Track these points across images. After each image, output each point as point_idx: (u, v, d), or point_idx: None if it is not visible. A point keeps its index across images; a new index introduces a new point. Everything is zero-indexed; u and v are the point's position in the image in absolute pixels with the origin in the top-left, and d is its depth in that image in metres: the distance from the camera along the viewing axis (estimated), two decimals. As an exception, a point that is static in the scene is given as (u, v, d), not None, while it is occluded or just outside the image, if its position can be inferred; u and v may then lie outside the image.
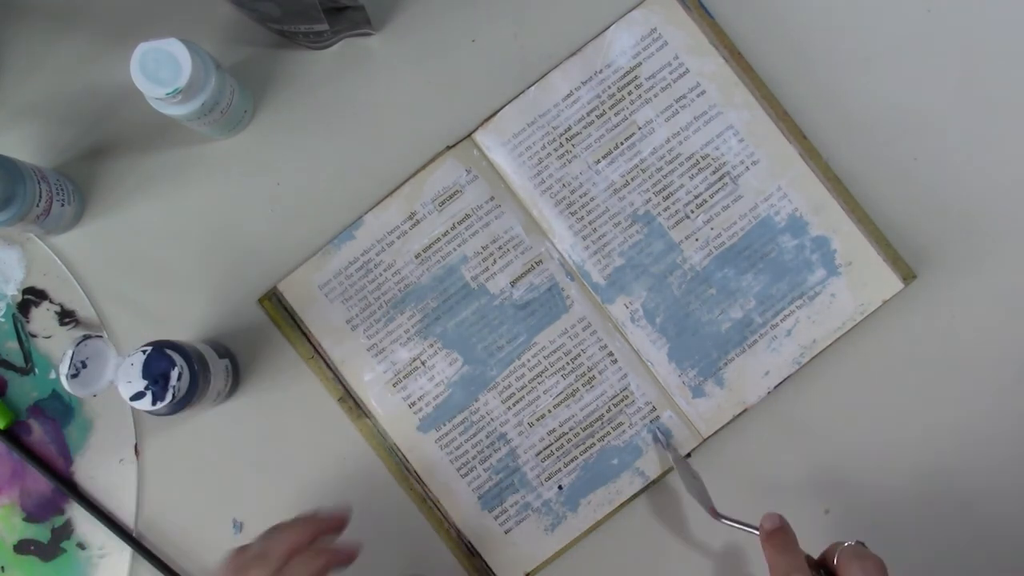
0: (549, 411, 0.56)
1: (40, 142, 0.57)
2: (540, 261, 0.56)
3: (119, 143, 0.57)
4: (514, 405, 0.55)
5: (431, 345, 0.56)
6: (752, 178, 0.55)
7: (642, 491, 0.55)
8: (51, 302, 0.57)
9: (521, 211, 0.56)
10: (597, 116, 0.56)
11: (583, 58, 0.56)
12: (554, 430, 0.55)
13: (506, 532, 0.55)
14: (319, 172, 0.57)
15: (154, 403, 0.48)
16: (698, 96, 0.56)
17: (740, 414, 0.55)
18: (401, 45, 0.58)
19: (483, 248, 0.56)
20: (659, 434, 0.55)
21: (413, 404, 0.56)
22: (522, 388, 0.56)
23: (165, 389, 0.48)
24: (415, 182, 0.56)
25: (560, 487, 0.55)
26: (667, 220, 0.56)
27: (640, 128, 0.56)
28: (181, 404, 0.49)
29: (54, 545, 0.56)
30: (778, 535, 0.48)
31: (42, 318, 0.57)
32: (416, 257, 0.56)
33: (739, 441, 0.56)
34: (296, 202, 0.57)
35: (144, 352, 0.48)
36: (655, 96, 0.56)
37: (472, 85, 0.57)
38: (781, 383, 0.55)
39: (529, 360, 0.56)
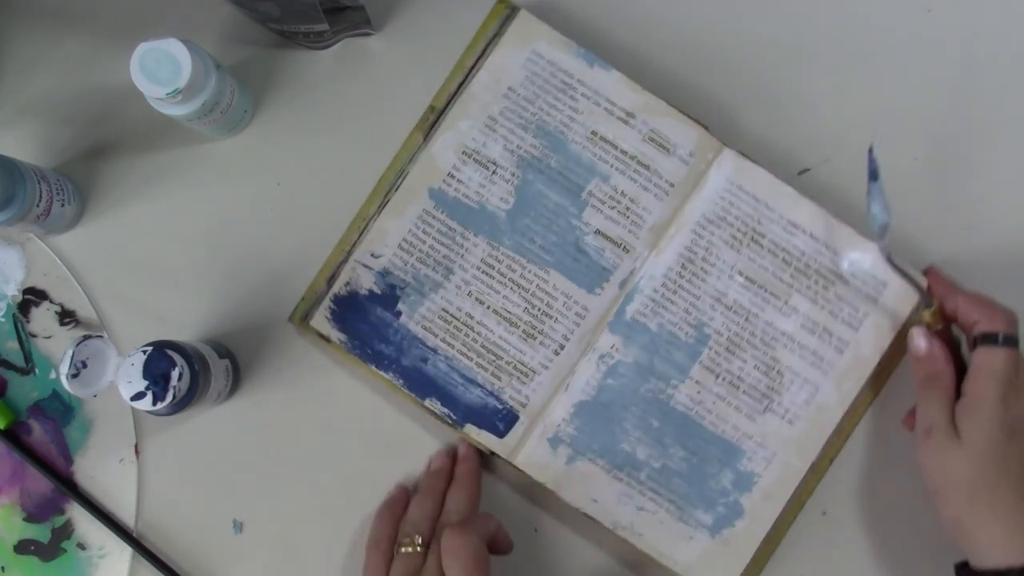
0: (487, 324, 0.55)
1: (40, 142, 0.57)
2: (629, 250, 0.55)
3: (119, 143, 0.57)
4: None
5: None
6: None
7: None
8: (51, 302, 0.57)
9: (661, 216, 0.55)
10: (763, 246, 0.54)
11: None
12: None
13: None
14: (319, 172, 0.57)
15: (154, 403, 0.48)
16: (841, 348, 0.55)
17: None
18: (401, 45, 0.58)
19: (613, 198, 0.55)
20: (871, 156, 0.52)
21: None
22: (485, 288, 0.55)
23: (165, 389, 0.48)
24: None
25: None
26: (709, 357, 0.54)
27: (784, 303, 0.54)
28: (181, 404, 0.49)
29: (54, 545, 0.56)
30: (945, 283, 0.53)
31: (42, 318, 0.57)
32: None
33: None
34: (296, 202, 0.57)
35: (144, 352, 0.48)
36: (818, 290, 0.54)
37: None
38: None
39: (509, 274, 0.55)
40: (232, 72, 0.54)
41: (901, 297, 0.54)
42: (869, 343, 0.54)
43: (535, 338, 0.55)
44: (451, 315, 0.55)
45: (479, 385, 0.54)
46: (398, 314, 0.55)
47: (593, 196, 0.55)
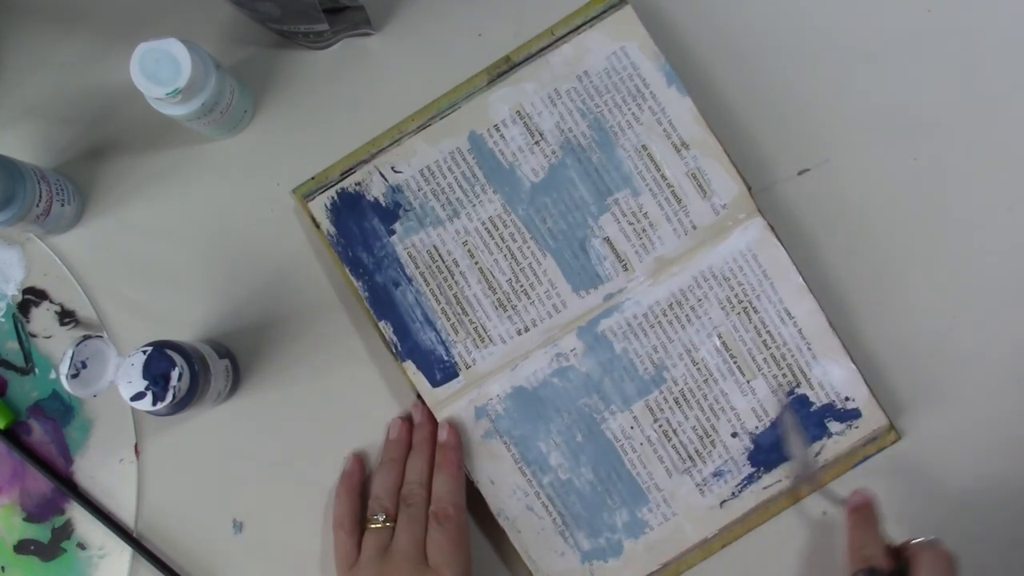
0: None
1: (40, 142, 0.57)
2: (628, 269, 0.55)
3: (119, 143, 0.57)
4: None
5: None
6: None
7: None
8: (51, 302, 0.57)
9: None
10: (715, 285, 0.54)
11: None
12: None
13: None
14: (318, 171, 0.57)
15: (154, 403, 0.48)
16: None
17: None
18: (401, 45, 0.58)
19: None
20: (780, 393, 0.54)
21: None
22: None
23: (165, 389, 0.48)
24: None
25: None
26: (656, 400, 0.54)
27: (747, 381, 0.54)
28: (181, 404, 0.49)
29: (54, 545, 0.56)
30: (862, 511, 0.50)
31: (42, 318, 0.57)
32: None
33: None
34: (296, 202, 0.57)
35: (144, 352, 0.48)
36: (783, 383, 0.54)
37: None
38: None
39: (509, 242, 0.55)
40: (232, 72, 0.54)
41: (852, 428, 0.54)
42: None
43: (506, 310, 0.55)
44: (439, 255, 0.55)
45: (436, 330, 0.55)
46: (391, 232, 0.55)
47: (617, 205, 0.55)
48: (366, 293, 0.55)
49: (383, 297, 0.55)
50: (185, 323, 0.57)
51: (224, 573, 0.56)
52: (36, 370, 0.57)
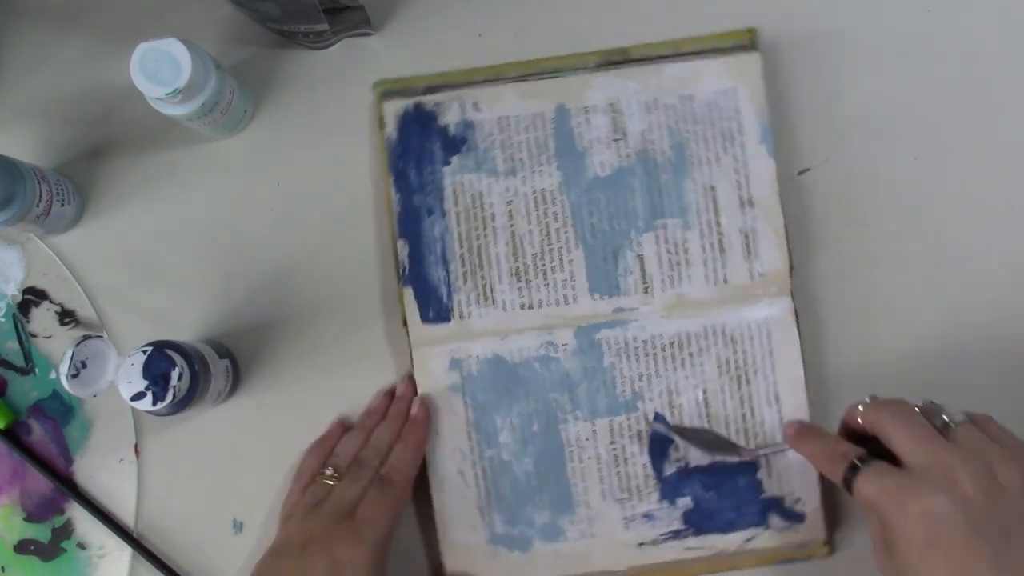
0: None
1: (40, 142, 0.57)
2: (648, 292, 0.54)
3: (119, 143, 0.57)
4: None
5: None
6: None
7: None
8: (51, 302, 0.57)
9: None
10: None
11: None
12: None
13: None
14: (319, 172, 0.57)
15: (154, 403, 0.48)
16: None
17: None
18: (401, 45, 0.58)
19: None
20: (656, 422, 0.54)
21: None
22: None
23: (165, 389, 0.48)
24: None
25: None
26: (620, 424, 0.54)
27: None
28: (181, 404, 0.49)
29: (54, 545, 0.56)
30: (804, 432, 0.51)
31: (42, 318, 0.57)
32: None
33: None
34: (296, 202, 0.57)
35: (144, 352, 0.48)
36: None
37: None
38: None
39: (550, 221, 0.55)
40: (232, 72, 0.54)
41: (790, 530, 0.53)
42: (737, 541, 0.53)
43: (519, 282, 0.54)
44: (481, 203, 0.55)
45: (447, 271, 0.54)
46: (447, 162, 0.55)
47: (664, 229, 0.54)
48: (399, 207, 0.55)
49: (412, 220, 0.55)
50: (185, 323, 0.57)
51: (224, 573, 0.56)
52: (36, 370, 0.57)
